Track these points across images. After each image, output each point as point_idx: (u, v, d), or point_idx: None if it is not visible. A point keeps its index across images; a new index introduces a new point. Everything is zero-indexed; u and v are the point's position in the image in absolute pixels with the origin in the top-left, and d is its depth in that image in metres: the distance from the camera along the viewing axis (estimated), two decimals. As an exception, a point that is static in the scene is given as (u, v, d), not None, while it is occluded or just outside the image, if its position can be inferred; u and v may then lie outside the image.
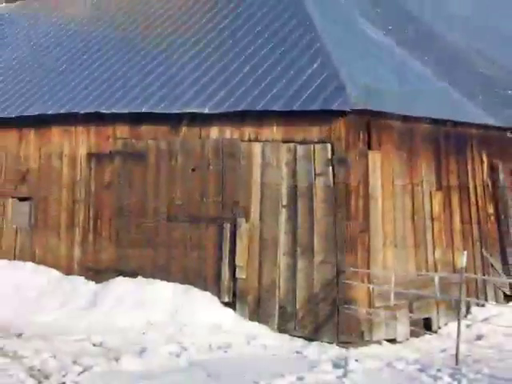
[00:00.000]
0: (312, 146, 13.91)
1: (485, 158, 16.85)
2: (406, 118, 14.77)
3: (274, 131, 14.40)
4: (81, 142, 17.35)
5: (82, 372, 10.75)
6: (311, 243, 13.79)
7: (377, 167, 14.14)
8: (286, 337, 13.67)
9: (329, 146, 13.75)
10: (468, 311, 15.17)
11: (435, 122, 15.50)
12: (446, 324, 14.76)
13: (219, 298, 14.66)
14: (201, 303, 14.47)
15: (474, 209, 16.32)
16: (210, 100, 15.14)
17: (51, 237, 17.55)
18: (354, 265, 13.47)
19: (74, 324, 14.18)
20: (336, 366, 11.01)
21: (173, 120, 15.70)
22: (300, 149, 14.06)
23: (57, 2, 24.65)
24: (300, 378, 10.39)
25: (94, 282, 16.07)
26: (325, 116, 13.70)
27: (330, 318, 13.49)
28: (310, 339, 13.49)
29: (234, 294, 14.59)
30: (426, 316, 14.67)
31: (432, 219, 15.22)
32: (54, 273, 16.91)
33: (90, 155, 17.14)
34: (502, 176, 16.94)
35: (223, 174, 15.00)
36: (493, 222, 16.76)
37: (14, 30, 23.99)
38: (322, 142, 13.82)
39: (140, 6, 21.30)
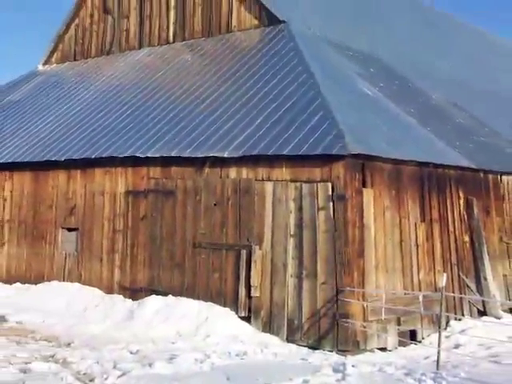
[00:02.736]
0: (315, 184, 14.02)
1: (461, 195, 16.91)
2: (394, 161, 14.86)
3: (283, 172, 14.53)
4: (119, 181, 17.58)
5: (121, 375, 10.85)
6: (315, 267, 13.87)
7: (370, 202, 14.21)
8: (293, 346, 13.71)
9: (329, 184, 13.86)
10: (447, 324, 15.16)
11: (420, 164, 15.60)
12: (428, 335, 14.71)
13: (237, 313, 14.73)
14: (221, 317, 14.53)
15: (452, 237, 16.36)
16: (229, 146, 15.32)
17: (95, 261, 17.73)
18: (350, 285, 13.53)
19: (115, 335, 14.26)
20: (336, 370, 11.09)
21: (198, 163, 15.88)
22: (305, 187, 14.17)
23: (100, 63, 25.03)
24: (305, 381, 10.51)
25: (130, 300, 16.19)
26: (326, 159, 13.82)
27: (330, 330, 13.55)
28: (313, 348, 13.55)
29: (250, 310, 14.65)
30: (412, 328, 14.65)
31: (417, 246, 15.26)
32: (97, 292, 17.09)
33: (127, 192, 17.36)
34: (476, 210, 16.98)
35: (240, 208, 15.13)
36: (468, 249, 16.77)
37: (64, 87, 24.30)
38: (324, 181, 13.94)
39: (171, 66, 21.61)
